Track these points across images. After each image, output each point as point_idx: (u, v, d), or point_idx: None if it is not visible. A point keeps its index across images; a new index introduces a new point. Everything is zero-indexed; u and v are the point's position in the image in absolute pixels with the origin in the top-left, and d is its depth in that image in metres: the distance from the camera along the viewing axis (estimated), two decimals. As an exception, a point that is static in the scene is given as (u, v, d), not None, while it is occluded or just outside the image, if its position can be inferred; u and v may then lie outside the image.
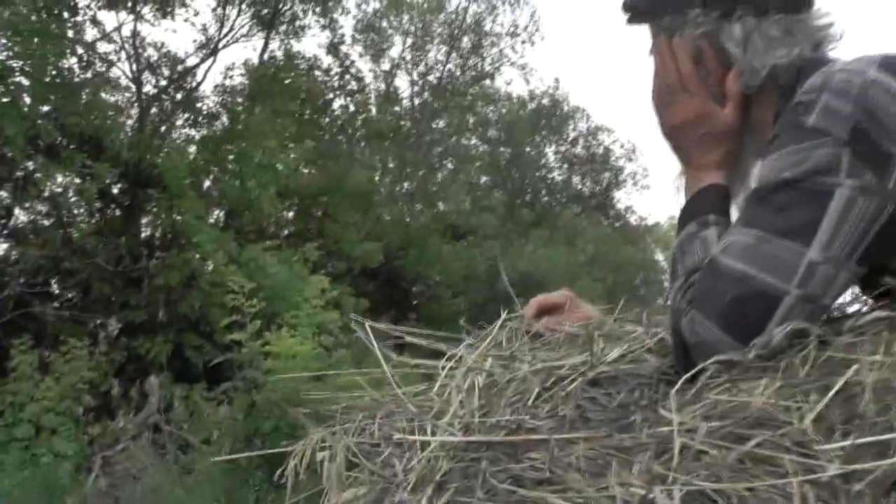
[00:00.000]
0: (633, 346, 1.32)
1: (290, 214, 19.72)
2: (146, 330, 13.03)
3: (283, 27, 20.13)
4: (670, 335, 1.22)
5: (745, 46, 1.24)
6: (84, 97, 13.10)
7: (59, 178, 13.64)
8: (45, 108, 12.05)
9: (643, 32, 1.34)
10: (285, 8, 20.01)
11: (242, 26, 19.63)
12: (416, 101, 23.13)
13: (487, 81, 23.61)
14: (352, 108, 21.14)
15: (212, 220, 16.02)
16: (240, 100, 18.25)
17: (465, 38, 23.11)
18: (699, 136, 1.30)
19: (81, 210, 14.40)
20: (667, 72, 1.30)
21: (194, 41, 18.23)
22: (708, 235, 1.24)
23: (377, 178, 21.42)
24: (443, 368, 1.37)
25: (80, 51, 14.22)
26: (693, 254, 1.24)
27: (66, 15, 13.61)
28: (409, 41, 22.72)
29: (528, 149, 24.32)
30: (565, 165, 25.02)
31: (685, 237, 1.27)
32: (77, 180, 13.10)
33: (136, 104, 15.86)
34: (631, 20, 1.35)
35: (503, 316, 1.56)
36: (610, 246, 23.13)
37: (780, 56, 1.23)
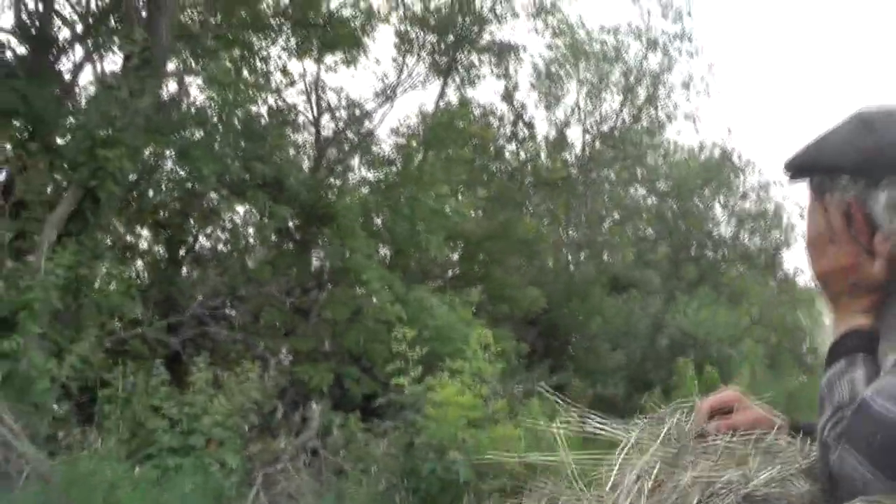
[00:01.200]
0: (787, 467, 1.37)
1: (456, 257, 20.25)
2: (311, 358, 13.78)
3: (459, 76, 20.97)
4: (819, 466, 1.30)
5: (891, 213, 1.29)
6: (269, 141, 14.20)
7: (241, 210, 14.85)
8: (235, 151, 13.16)
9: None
10: (462, 57, 20.84)
11: (420, 74, 20.63)
12: (587, 150, 23.23)
13: (658, 132, 23.39)
14: (523, 154, 21.55)
15: (379, 259, 16.76)
16: (414, 143, 19.08)
17: (640, 89, 23.07)
18: (849, 285, 1.37)
19: (258, 242, 15.54)
20: (819, 224, 1.38)
21: (373, 87, 19.34)
22: (856, 375, 1.31)
23: (543, 226, 21.63)
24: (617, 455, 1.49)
25: (268, 99, 15.42)
26: (841, 391, 1.31)
27: (258, 66, 14.84)
28: (585, 90, 22.91)
29: (696, 201, 23.82)
30: (733, 220, 24.29)
31: (833, 374, 1.34)
32: (256, 216, 14.19)
33: (314, 145, 16.97)
34: (790, 178, 1.44)
35: (674, 405, 1.63)
36: (776, 308, 22.18)
37: None
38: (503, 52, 20.85)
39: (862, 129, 1.32)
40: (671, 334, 20.87)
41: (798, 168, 1.43)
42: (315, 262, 15.45)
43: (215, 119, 13.59)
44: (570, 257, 22.24)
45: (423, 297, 15.03)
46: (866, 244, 1.34)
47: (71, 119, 11.81)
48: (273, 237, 14.49)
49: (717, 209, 24.55)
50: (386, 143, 18.81)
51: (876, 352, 1.34)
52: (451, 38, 20.17)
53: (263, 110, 15.06)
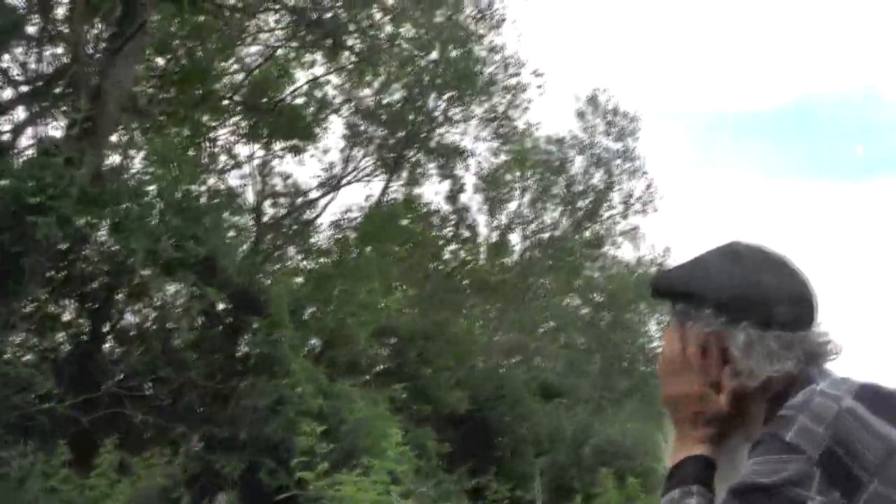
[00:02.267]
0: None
1: (385, 352, 20.10)
2: (226, 447, 13.38)
3: (406, 172, 21.24)
4: None
5: (745, 353, 1.33)
6: (206, 222, 14.09)
7: (171, 290, 14.58)
8: (169, 229, 13.01)
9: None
10: (409, 155, 21.16)
11: (366, 167, 20.86)
12: (527, 256, 23.53)
13: (598, 245, 23.86)
14: (462, 254, 21.72)
15: (307, 348, 16.55)
16: (353, 236, 19.12)
17: (582, 202, 23.61)
18: (693, 414, 1.41)
19: (185, 322, 15.21)
20: (675, 350, 1.42)
21: (318, 176, 19.49)
22: None
23: (477, 328, 21.67)
24: None
25: (210, 179, 15.42)
26: None
27: (206, 145, 14.86)
28: (528, 197, 23.35)
29: (629, 315, 24.18)
30: (669, 337, 24.65)
31: (667, 503, 1.38)
32: (185, 296, 13.94)
33: (254, 230, 16.90)
34: (653, 295, 1.50)
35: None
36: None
37: (775, 369, 1.32)
38: (451, 155, 21.24)
39: (732, 265, 1.36)
40: (597, 443, 20.84)
41: (665, 292, 1.47)
42: (241, 348, 15.16)
43: (154, 194, 13.47)
44: (501, 360, 22.22)
45: (346, 391, 14.87)
46: (716, 377, 1.37)
47: (1, 181, 11.57)
48: (201, 319, 14.22)
49: (652, 324, 24.95)
50: (324, 234, 18.87)
51: (711, 483, 1.36)
52: (400, 134, 20.54)
53: (204, 190, 14.99)
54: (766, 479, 1.21)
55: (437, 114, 20.88)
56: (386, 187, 20.62)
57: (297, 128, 16.65)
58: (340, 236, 18.61)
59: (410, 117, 20.47)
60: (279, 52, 16.63)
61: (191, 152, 14.38)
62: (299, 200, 17.94)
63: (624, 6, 46.31)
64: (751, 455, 1.27)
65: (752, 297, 1.33)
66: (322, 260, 17.61)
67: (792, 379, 1.32)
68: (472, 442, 19.78)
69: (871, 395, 1.26)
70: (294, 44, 16.83)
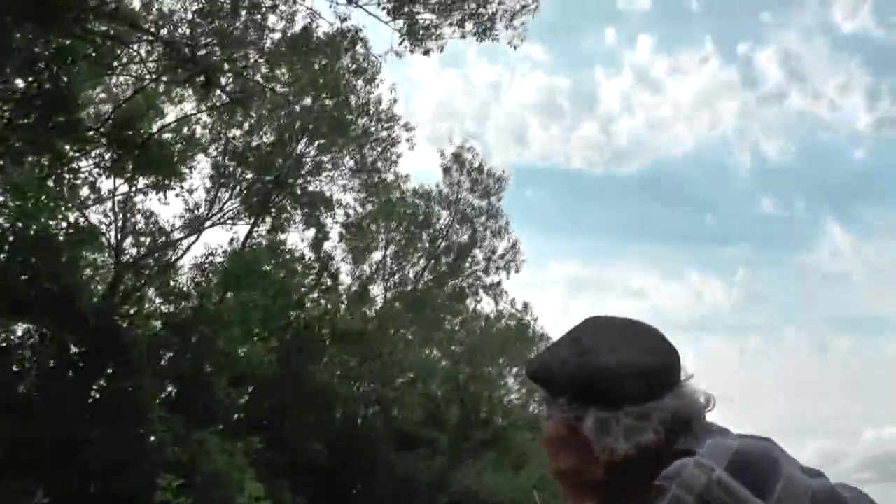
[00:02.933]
0: None
1: (243, 401, 19.43)
2: (75, 501, 12.49)
3: (271, 217, 20.84)
4: None
5: (599, 434, 1.36)
6: (64, 258, 13.25)
7: (19, 332, 13.56)
8: (23, 265, 12.15)
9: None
10: (276, 200, 20.80)
11: (232, 210, 20.32)
12: (388, 307, 23.49)
13: (459, 299, 24.15)
14: (324, 303, 21.41)
15: (164, 395, 15.78)
16: (215, 281, 18.48)
17: (445, 257, 23.87)
18: (577, 484, 1.43)
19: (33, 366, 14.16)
20: (551, 429, 1.43)
21: (182, 216, 18.82)
22: None
23: (336, 378, 21.35)
24: None
25: (70, 214, 14.50)
26: None
27: (67, 177, 14.03)
28: (392, 249, 23.39)
29: (489, 369, 24.50)
30: (524, 390, 25.11)
31: None
32: (37, 337, 13.01)
33: (113, 269, 16.02)
34: (526, 377, 1.54)
35: None
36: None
37: (632, 444, 1.34)
38: (317, 202, 21.04)
39: (573, 354, 1.40)
40: (453, 493, 20.87)
41: (531, 379, 1.50)
42: (94, 395, 14.24)
43: (6, 226, 12.57)
44: (359, 411, 21.94)
45: (204, 439, 14.29)
46: (588, 453, 1.39)
47: None
48: (52, 362, 13.28)
49: (510, 378, 25.36)
50: (186, 276, 18.13)
51: None
52: (268, 178, 20.18)
53: (64, 225, 14.08)
54: None
55: (306, 160, 20.69)
56: (250, 232, 20.16)
57: (163, 164, 15.97)
58: (202, 280, 17.93)
59: (279, 162, 20.19)
60: (149, 85, 16.00)
61: (50, 183, 13.50)
62: (161, 240, 17.19)
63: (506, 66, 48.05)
64: None
65: (596, 382, 1.37)
66: (182, 304, 16.85)
67: (659, 447, 1.34)
68: (330, 493, 19.36)
69: (741, 466, 1.29)
70: (165, 78, 16.28)
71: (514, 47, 20.28)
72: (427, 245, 23.67)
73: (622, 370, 1.36)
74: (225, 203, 19.90)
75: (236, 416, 18.86)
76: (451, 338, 23.82)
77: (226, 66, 16.44)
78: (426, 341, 23.34)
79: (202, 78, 16.24)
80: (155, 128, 16.20)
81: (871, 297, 52.09)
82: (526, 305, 26.03)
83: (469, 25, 16.05)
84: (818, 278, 50.09)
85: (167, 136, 16.70)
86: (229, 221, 19.98)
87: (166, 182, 16.24)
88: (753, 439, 1.37)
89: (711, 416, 1.43)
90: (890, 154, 47.49)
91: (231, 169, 19.95)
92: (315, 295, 21.15)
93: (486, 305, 25.22)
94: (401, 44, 15.76)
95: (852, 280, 49.93)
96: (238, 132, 19.87)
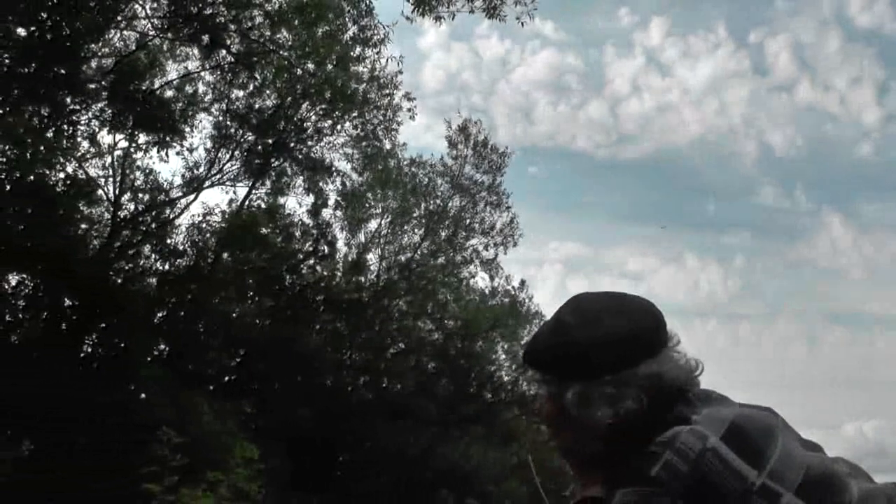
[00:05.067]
0: None
1: (234, 363, 19.44)
2: (54, 456, 12.48)
3: (270, 181, 20.73)
4: None
5: (580, 407, 1.40)
6: (61, 210, 13.17)
7: (13, 282, 13.50)
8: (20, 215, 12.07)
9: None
10: (276, 164, 20.68)
11: (231, 171, 20.20)
12: (383, 277, 23.45)
13: (455, 272, 24.12)
14: (319, 269, 21.38)
15: (156, 353, 15.77)
16: (212, 241, 18.42)
17: (442, 229, 23.80)
18: (580, 461, 1.48)
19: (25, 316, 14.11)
20: (546, 409, 1.48)
21: (181, 175, 18.70)
22: None
23: (329, 345, 21.36)
24: None
25: (68, 166, 14.40)
26: None
27: (66, 129, 13.91)
28: (388, 218, 23.32)
29: (481, 344, 24.50)
30: (514, 366, 25.16)
31: None
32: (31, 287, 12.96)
33: (109, 224, 15.94)
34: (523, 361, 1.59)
35: None
36: (546, 453, 22.89)
37: (615, 412, 1.37)
38: (317, 168, 20.91)
39: (556, 332, 1.45)
40: (439, 466, 20.95)
41: (524, 361, 1.58)
42: (87, 349, 14.23)
43: (2, 177, 12.47)
44: (349, 379, 21.99)
45: (195, 399, 14.31)
46: (579, 427, 1.43)
47: None
48: (45, 314, 13.24)
49: (501, 354, 25.38)
50: (182, 235, 18.05)
51: None
52: (269, 141, 20.05)
53: (61, 177, 13.98)
54: None
55: (307, 125, 20.55)
56: (249, 193, 20.05)
57: (163, 121, 15.87)
58: (199, 239, 17.86)
59: (281, 125, 20.05)
60: (153, 41, 15.85)
61: (48, 134, 13.37)
62: (160, 198, 17.09)
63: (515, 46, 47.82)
64: (624, 483, 1.32)
65: (570, 357, 1.42)
66: (178, 262, 16.80)
67: (648, 414, 1.37)
68: (319, 458, 19.43)
69: (736, 435, 1.31)
70: (170, 35, 16.12)
71: (522, 24, 20.17)
72: (424, 216, 23.55)
73: (596, 342, 1.39)
74: (225, 164, 19.79)
75: (227, 378, 18.89)
76: (444, 311, 23.78)
77: (231, 27, 16.29)
78: (419, 313, 23.31)
79: (207, 37, 16.11)
80: (157, 84, 16.07)
81: (866, 294, 52.44)
82: (523, 283, 25.99)
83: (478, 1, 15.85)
84: (815, 271, 50.15)
85: (169, 93, 16.56)
86: (228, 182, 19.88)
87: (167, 139, 16.11)
88: (753, 409, 1.39)
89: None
90: (887, 152, 47.36)
91: (232, 130, 19.80)
92: (311, 262, 21.09)
93: (482, 280, 25.19)
94: (413, 11, 15.52)
95: (849, 275, 49.97)
96: (241, 93, 19.71)
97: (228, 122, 19.82)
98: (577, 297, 1.51)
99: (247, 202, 20.09)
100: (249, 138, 20.00)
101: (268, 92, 20.24)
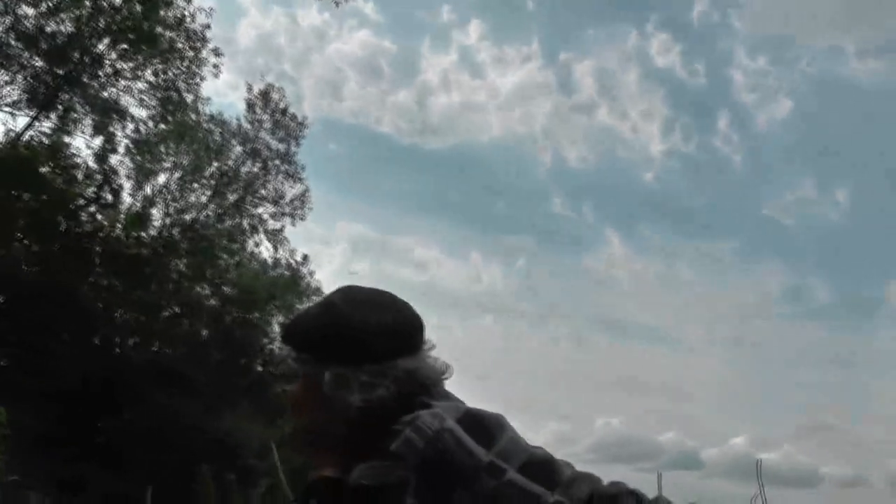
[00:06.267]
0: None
1: (-6, 310, 17.51)
2: None
3: (56, 116, 18.86)
4: None
5: (336, 389, 1.43)
6: None
7: None
8: None
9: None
10: (65, 98, 18.88)
11: (10, 96, 18.15)
12: (165, 235, 22.19)
13: (239, 238, 23.35)
14: (99, 218, 19.78)
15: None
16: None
17: (231, 193, 22.97)
18: (317, 441, 1.50)
19: None
20: (296, 388, 1.49)
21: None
22: None
23: (100, 299, 19.86)
24: None
25: None
26: None
27: None
28: (179, 174, 22.11)
29: (257, 314, 23.87)
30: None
31: None
32: None
33: None
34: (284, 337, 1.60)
35: None
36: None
37: (368, 397, 1.42)
38: (110, 110, 19.33)
39: (322, 315, 1.50)
40: (207, 436, 20.19)
41: (282, 336, 1.61)
42: None
43: None
44: (119, 339, 20.60)
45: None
46: (329, 409, 1.46)
47: None
48: None
49: (276, 327, 24.74)
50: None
51: (339, 500, 1.47)
52: (59, 72, 18.24)
53: None
54: (366, 481, 1.38)
55: (106, 62, 18.99)
56: (30, 125, 18.14)
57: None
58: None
59: (76, 57, 18.35)
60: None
61: None
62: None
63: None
64: (363, 461, 1.40)
65: (337, 340, 1.46)
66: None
67: (395, 402, 1.44)
68: (77, 422, 18.01)
69: (469, 420, 1.42)
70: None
71: (336, 3, 19.98)
72: (215, 177, 22.58)
73: (364, 330, 1.44)
74: (4, 87, 17.75)
75: (-15, 327, 16.95)
76: (223, 277, 22.87)
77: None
78: (198, 277, 22.23)
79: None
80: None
81: (631, 306, 57.19)
82: (305, 258, 25.62)
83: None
84: (591, 280, 54.02)
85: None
86: (6, 108, 17.85)
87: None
88: (486, 411, 1.49)
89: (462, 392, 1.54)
90: (672, 183, 51.82)
91: (18, 50, 17.79)
92: (92, 209, 19.44)
93: (266, 250, 24.52)
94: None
95: (619, 287, 54.36)
96: (32, 11, 17.77)
97: (13, 41, 17.80)
98: (350, 287, 1.54)
99: (26, 134, 18.17)
100: (38, 64, 18.10)
101: (63, 17, 18.42)
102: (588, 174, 53.21)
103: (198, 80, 21.05)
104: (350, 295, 1.49)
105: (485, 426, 1.40)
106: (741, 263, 54.63)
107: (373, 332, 1.43)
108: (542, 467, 1.39)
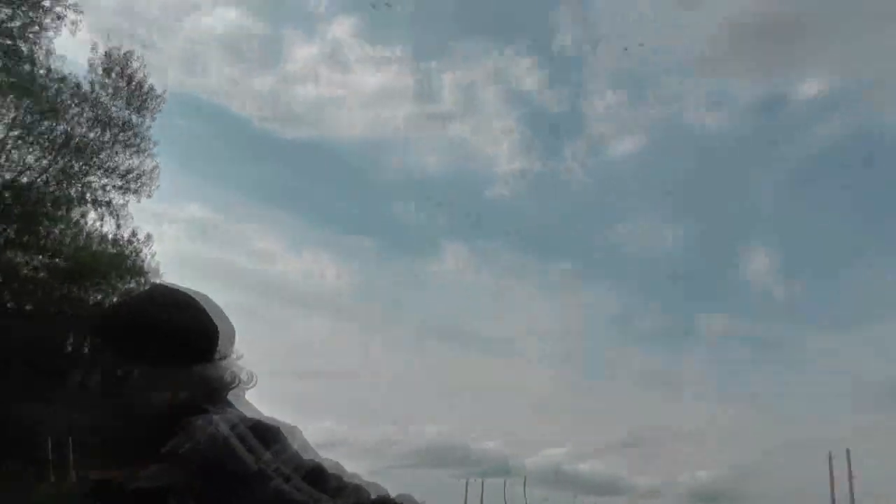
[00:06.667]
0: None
1: None
2: None
3: None
4: None
5: (137, 390, 1.50)
6: None
7: None
8: None
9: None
10: None
11: None
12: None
13: (70, 206, 21.54)
14: None
15: None
16: None
17: (68, 157, 21.14)
18: (114, 443, 1.56)
19: None
20: (90, 383, 1.59)
21: None
22: None
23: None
24: None
25: None
26: None
27: None
28: (15, 132, 20.03)
29: (91, 292, 21.94)
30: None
31: None
32: None
33: None
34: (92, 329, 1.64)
35: None
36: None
37: (162, 400, 1.49)
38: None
39: (139, 313, 1.54)
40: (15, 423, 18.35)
41: (93, 329, 1.65)
42: None
43: None
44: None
45: None
46: (130, 410, 1.53)
47: None
48: None
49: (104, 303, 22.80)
50: None
51: (115, 500, 1.52)
52: None
53: None
54: (147, 484, 1.43)
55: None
56: None
57: None
58: None
59: None
60: None
61: None
62: None
63: None
64: (145, 464, 1.46)
65: (153, 340, 1.51)
66: None
67: (187, 406, 1.49)
68: None
69: (253, 425, 1.51)
70: None
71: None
72: (51, 138, 20.68)
73: (168, 335, 1.49)
74: None
75: None
76: (54, 248, 20.87)
77: None
78: (25, 244, 20.11)
79: None
80: None
81: (472, 317, 59.78)
82: (149, 237, 23.77)
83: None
84: (432, 287, 54.78)
85: None
86: None
87: None
88: (273, 420, 1.58)
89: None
90: (519, 201, 52.85)
91: None
92: None
93: (108, 225, 22.53)
94: None
95: (460, 298, 55.36)
96: None
97: None
98: (164, 286, 1.58)
99: None
100: None
101: None
102: (438, 183, 53.59)
103: (38, 30, 19.41)
104: (165, 296, 1.51)
105: (264, 431, 1.46)
106: (578, 284, 57.58)
107: (181, 337, 1.47)
108: (313, 476, 1.46)
